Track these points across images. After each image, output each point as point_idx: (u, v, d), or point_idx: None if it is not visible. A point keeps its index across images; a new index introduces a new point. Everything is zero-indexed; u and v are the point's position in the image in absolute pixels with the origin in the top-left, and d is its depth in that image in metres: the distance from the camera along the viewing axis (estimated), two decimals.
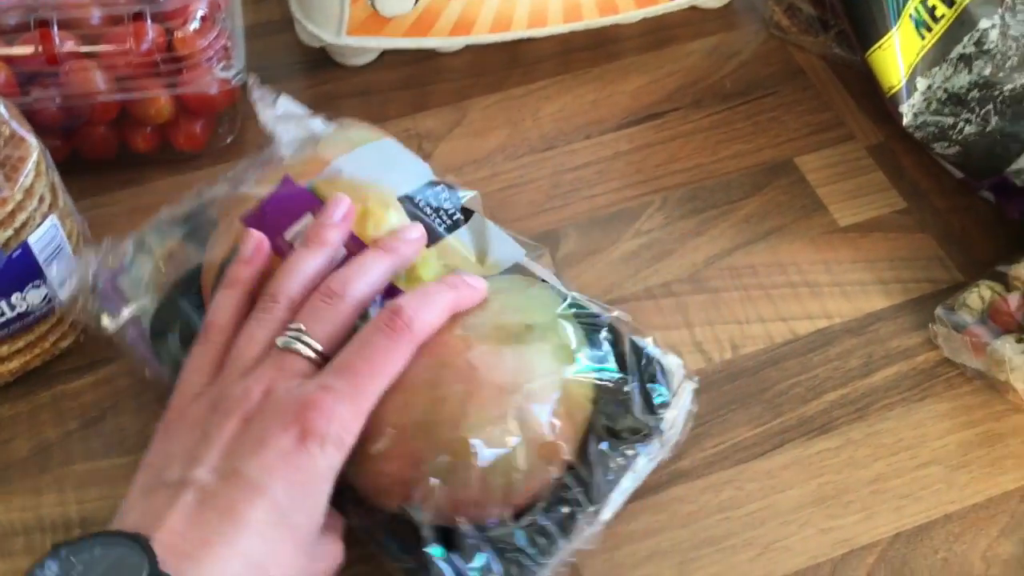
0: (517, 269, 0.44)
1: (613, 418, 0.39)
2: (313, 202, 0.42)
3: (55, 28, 0.49)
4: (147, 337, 0.43)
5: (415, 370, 0.37)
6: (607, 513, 0.39)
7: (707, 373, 0.49)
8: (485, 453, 0.36)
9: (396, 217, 0.42)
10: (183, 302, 0.43)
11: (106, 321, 0.43)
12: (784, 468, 0.46)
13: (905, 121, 0.52)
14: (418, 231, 0.42)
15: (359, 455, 0.36)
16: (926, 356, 0.50)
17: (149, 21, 0.50)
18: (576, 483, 0.38)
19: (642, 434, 0.39)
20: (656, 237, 0.54)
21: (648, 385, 0.40)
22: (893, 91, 0.52)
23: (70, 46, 0.49)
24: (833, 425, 0.48)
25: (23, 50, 0.49)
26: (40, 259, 0.44)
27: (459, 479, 0.36)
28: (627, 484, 0.40)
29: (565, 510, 0.38)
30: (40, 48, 0.49)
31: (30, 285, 0.45)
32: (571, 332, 0.40)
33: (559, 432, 0.38)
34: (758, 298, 0.52)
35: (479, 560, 0.37)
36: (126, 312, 0.43)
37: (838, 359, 0.50)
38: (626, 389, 0.40)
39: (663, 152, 0.58)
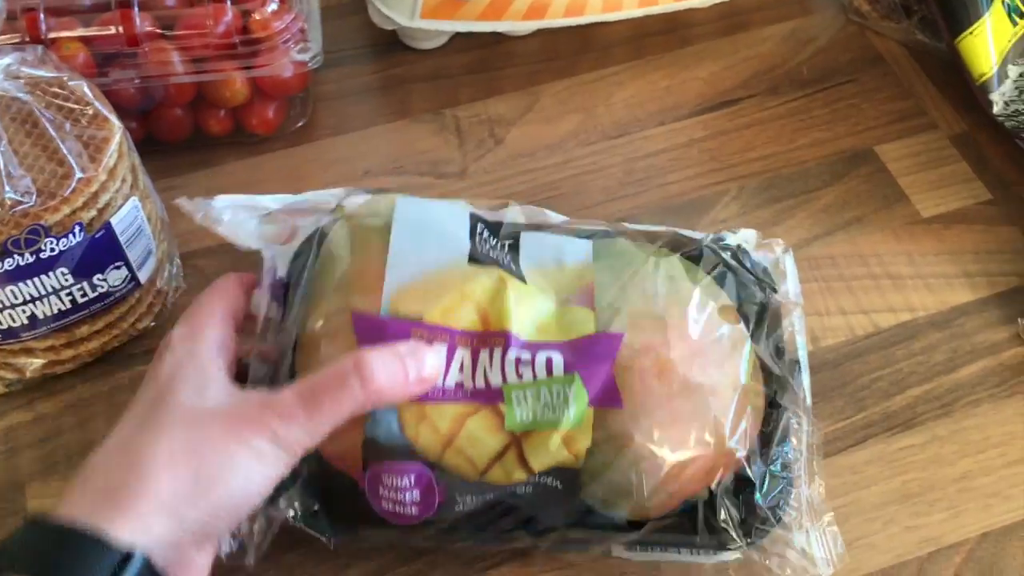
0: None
1: (749, 312, 0.42)
2: (404, 327, 0.38)
3: (136, 9, 0.49)
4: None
5: (660, 395, 0.38)
6: (808, 398, 0.41)
7: None
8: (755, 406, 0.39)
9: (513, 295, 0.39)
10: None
11: None
12: (867, 464, 0.45)
13: (995, 109, 0.51)
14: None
15: (658, 487, 0.38)
16: (1014, 352, 0.49)
17: (228, 3, 0.49)
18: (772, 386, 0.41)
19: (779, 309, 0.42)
20: (732, 227, 0.53)
21: (756, 275, 0.42)
22: (984, 79, 0.51)
23: (149, 27, 0.49)
24: (918, 421, 0.47)
25: (104, 31, 0.49)
26: (122, 240, 0.44)
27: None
28: (802, 361, 0.42)
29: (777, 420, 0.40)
30: (121, 29, 0.49)
31: (111, 266, 0.45)
32: (688, 268, 0.42)
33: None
34: (838, 290, 0.51)
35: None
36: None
37: (922, 353, 0.49)
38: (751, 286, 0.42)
39: (739, 140, 0.57)
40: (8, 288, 0.42)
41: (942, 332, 0.49)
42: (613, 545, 0.40)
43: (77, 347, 0.46)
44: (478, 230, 0.41)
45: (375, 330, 0.37)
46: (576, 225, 0.44)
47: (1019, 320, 0.48)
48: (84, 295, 0.45)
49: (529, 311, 0.39)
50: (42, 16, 0.48)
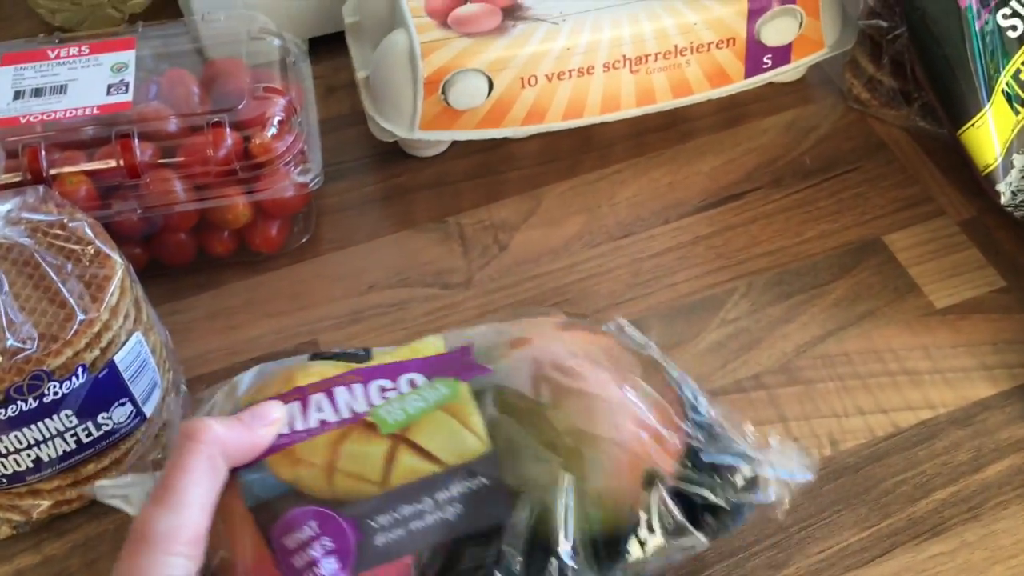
0: None
1: None
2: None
3: (136, 140, 0.49)
4: None
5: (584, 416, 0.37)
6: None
7: None
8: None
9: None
10: None
11: None
12: (896, 575, 0.44)
13: (1003, 200, 0.50)
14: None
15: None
16: None
17: (228, 129, 0.50)
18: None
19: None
20: (743, 326, 0.52)
21: None
22: (989, 170, 0.50)
23: (150, 157, 0.50)
24: (945, 526, 0.45)
25: (105, 164, 0.49)
26: (126, 377, 0.44)
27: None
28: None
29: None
30: (121, 161, 0.49)
31: (116, 404, 0.44)
32: None
33: None
34: (855, 388, 0.50)
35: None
36: None
37: (945, 453, 0.47)
38: None
39: (745, 235, 0.56)
40: (12, 434, 0.42)
41: (964, 430, 0.48)
42: None
43: (83, 486, 0.46)
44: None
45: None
46: None
47: None
48: (89, 435, 0.44)
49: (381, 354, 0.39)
50: (43, 153, 0.49)
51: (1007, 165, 0.50)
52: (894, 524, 0.45)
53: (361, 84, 0.58)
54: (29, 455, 0.43)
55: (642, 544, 0.37)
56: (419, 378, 0.38)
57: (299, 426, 0.37)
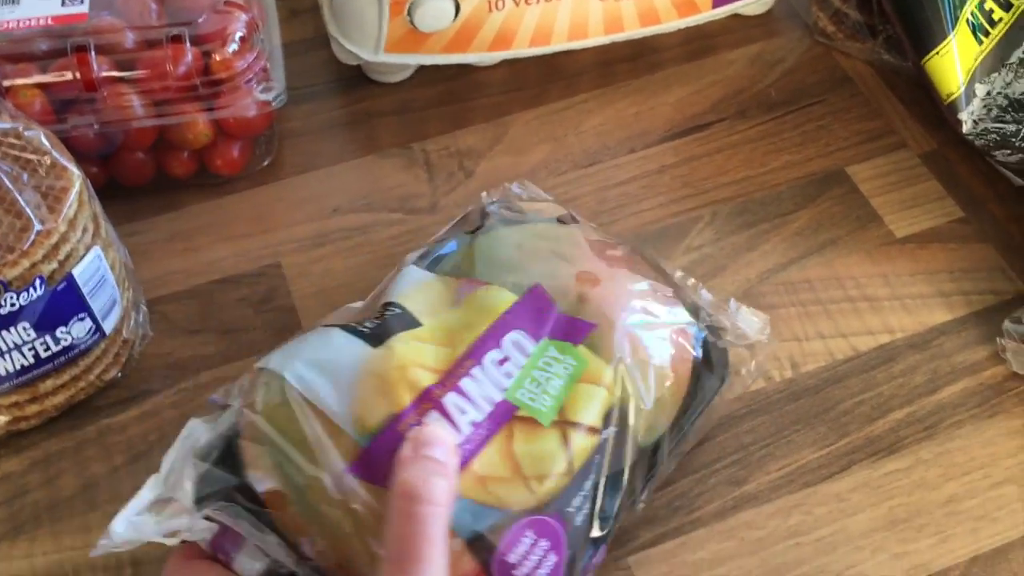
0: None
1: None
2: (390, 435, 0.35)
3: (92, 53, 0.48)
4: None
5: (607, 294, 0.41)
6: None
7: (768, 393, 0.48)
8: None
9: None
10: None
11: None
12: (853, 491, 0.45)
13: (965, 129, 0.51)
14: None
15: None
16: (993, 371, 0.48)
17: (188, 44, 0.48)
18: None
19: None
20: (707, 253, 0.53)
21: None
22: (952, 98, 0.51)
23: (107, 71, 0.48)
24: (901, 445, 0.46)
25: (60, 77, 0.47)
26: (85, 291, 0.43)
27: None
28: None
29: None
30: (77, 74, 0.48)
31: (75, 318, 0.43)
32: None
33: None
34: (816, 314, 0.50)
35: None
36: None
37: (902, 376, 0.48)
38: None
39: (710, 165, 0.56)
40: None
41: (921, 353, 0.49)
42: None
43: (42, 402, 0.45)
44: (353, 329, 0.39)
45: (373, 463, 0.35)
46: None
47: (997, 339, 0.48)
48: (47, 349, 0.43)
49: (448, 328, 0.39)
50: None
51: (969, 94, 0.51)
52: (852, 443, 0.46)
53: (324, 5, 0.57)
54: None
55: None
56: (523, 338, 0.39)
57: (457, 438, 0.36)
